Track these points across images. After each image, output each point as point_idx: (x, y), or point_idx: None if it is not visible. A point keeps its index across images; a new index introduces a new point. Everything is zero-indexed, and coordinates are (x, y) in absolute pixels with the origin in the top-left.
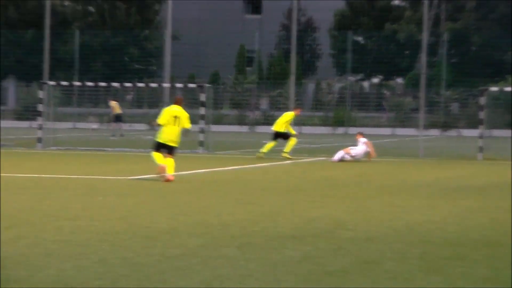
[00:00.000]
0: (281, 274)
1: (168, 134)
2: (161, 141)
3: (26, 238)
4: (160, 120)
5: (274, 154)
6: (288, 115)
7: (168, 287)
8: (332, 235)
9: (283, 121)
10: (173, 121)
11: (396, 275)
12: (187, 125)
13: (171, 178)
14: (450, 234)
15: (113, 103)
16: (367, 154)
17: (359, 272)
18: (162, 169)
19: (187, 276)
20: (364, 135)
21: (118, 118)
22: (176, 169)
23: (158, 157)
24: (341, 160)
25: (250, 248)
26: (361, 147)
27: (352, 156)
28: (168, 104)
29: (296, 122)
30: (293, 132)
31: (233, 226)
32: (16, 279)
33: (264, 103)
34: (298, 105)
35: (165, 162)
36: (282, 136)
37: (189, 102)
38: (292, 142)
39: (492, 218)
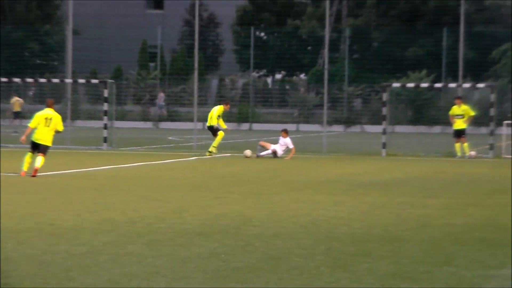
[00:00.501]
0: (189, 271)
1: (40, 134)
2: (33, 139)
3: None
4: (31, 123)
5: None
6: (218, 110)
7: (74, 286)
8: (239, 232)
9: (214, 116)
10: (44, 122)
11: (302, 271)
12: (60, 127)
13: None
14: (355, 230)
15: (14, 100)
16: (288, 151)
17: (266, 268)
18: (23, 174)
19: (94, 274)
20: (287, 133)
21: (16, 115)
22: (80, 166)
23: (26, 161)
24: (260, 156)
25: (157, 245)
26: (281, 144)
27: (273, 153)
28: (71, 100)
29: (199, 118)
30: (224, 126)
31: (139, 223)
32: None
33: (161, 99)
34: (223, 100)
35: (29, 163)
36: (212, 131)
37: (92, 98)
38: (220, 137)
39: (396, 214)
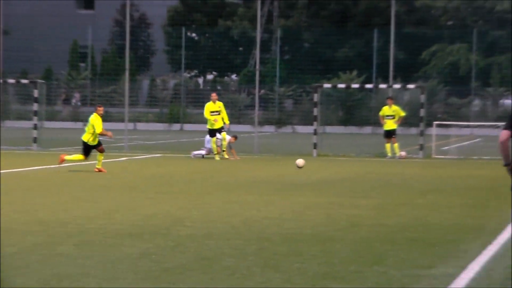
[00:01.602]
0: (120, 272)
1: None
2: None
3: None
4: None
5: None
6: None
7: (4, 286)
8: (170, 232)
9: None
10: None
11: (234, 271)
12: None
13: None
14: (286, 230)
15: None
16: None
17: (198, 268)
18: None
19: (24, 275)
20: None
21: None
22: (10, 166)
23: None
24: (197, 156)
25: (87, 245)
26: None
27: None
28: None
29: (131, 119)
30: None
31: (69, 223)
32: None
33: (76, 98)
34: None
35: None
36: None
37: (22, 98)
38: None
39: (327, 214)
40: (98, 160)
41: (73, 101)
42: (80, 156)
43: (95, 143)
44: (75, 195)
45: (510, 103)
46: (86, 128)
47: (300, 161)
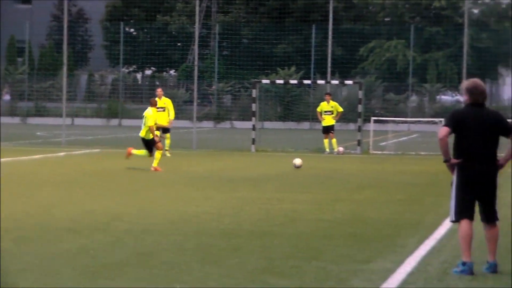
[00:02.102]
0: (58, 267)
1: None
2: None
3: None
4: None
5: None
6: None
7: (4, 287)
8: (109, 228)
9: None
10: None
11: (173, 266)
12: None
13: None
14: (225, 225)
15: None
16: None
17: (136, 264)
18: None
19: None
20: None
21: None
22: None
23: None
24: None
25: (25, 241)
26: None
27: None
28: None
29: (68, 114)
30: None
31: (7, 219)
32: None
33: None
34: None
35: None
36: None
37: None
38: None
39: (265, 209)
40: (155, 159)
41: (3, 96)
42: (144, 152)
43: (151, 137)
44: (12, 191)
45: (446, 99)
46: (143, 124)
47: (297, 161)
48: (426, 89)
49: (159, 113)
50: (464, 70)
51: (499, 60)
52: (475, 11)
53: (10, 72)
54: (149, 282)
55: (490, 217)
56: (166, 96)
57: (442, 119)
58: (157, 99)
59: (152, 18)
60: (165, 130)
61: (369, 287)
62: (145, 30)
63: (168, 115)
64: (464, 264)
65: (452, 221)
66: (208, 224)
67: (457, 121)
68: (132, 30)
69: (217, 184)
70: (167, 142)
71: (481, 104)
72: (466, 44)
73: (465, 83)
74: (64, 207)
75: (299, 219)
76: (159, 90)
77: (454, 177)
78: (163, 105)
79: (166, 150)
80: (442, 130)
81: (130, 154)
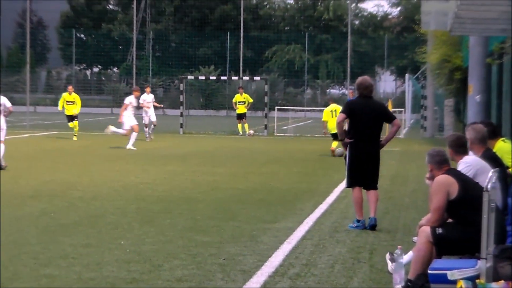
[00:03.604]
0: (24, 227)
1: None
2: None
3: None
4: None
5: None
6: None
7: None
8: (65, 195)
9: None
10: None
11: (117, 226)
12: None
13: None
14: (159, 192)
15: None
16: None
17: (87, 224)
18: None
19: None
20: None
21: None
22: None
23: None
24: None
25: None
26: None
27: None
28: None
29: (31, 103)
30: None
31: None
32: None
33: None
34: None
35: None
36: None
37: None
38: None
39: (191, 180)
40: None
41: None
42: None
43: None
44: None
45: (334, 92)
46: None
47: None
48: (318, 84)
49: (69, 105)
50: (348, 69)
51: (375, 61)
52: (356, 22)
53: None
54: (98, 239)
55: (372, 185)
56: (110, 89)
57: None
58: (67, 93)
59: (98, 26)
60: (73, 118)
61: (275, 242)
62: (93, 36)
63: (76, 107)
64: (358, 221)
65: (347, 187)
66: (145, 191)
67: (350, 109)
68: (82, 35)
69: (152, 160)
70: (75, 129)
71: (367, 96)
72: (349, 48)
73: (357, 79)
74: (28, 178)
75: (218, 188)
76: (69, 88)
77: (347, 153)
78: (72, 100)
79: (75, 135)
80: (340, 116)
81: (333, 150)
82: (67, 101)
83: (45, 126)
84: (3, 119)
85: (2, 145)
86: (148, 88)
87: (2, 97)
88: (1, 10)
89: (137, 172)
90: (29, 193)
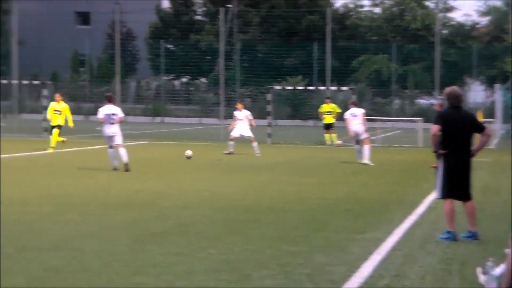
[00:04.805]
0: (116, 236)
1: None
2: None
3: None
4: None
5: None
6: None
7: (25, 245)
8: (155, 204)
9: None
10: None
11: (206, 236)
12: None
13: None
14: (247, 202)
15: None
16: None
17: (177, 233)
18: None
19: (40, 237)
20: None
21: None
22: (25, 151)
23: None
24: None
25: (89, 214)
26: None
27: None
28: (17, 97)
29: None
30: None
31: (75, 196)
32: None
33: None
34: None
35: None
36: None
37: (34, 95)
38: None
39: (279, 190)
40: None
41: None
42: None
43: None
44: (77, 174)
45: (422, 102)
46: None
47: (188, 152)
48: (406, 94)
49: (55, 115)
50: (436, 79)
51: (464, 71)
52: (445, 31)
53: (74, 79)
54: (186, 248)
55: (466, 194)
56: (198, 99)
57: (420, 118)
58: (55, 102)
59: (186, 36)
60: (56, 127)
61: (364, 253)
62: (181, 46)
63: (65, 118)
64: (449, 232)
65: (438, 198)
66: (233, 201)
67: (443, 120)
68: (170, 46)
69: (240, 169)
70: (52, 138)
71: (457, 106)
72: (437, 58)
73: (446, 89)
74: (119, 187)
75: (306, 198)
76: (57, 95)
77: (440, 164)
78: (60, 109)
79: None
80: (434, 127)
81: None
82: (54, 110)
83: (135, 136)
84: (117, 126)
85: (123, 149)
86: (239, 104)
87: (116, 107)
88: (91, 21)
89: (225, 182)
90: (121, 202)
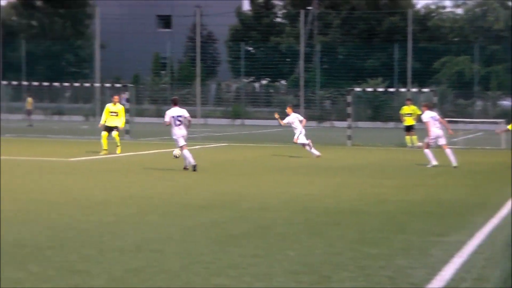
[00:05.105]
0: (195, 237)
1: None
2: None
3: None
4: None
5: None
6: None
7: (105, 247)
8: (234, 205)
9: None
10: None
11: (285, 237)
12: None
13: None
14: (326, 204)
15: (29, 99)
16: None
17: (257, 235)
18: None
19: (120, 239)
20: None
21: (28, 112)
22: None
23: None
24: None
25: (169, 215)
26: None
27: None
28: (99, 100)
29: (202, 115)
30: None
31: (155, 198)
32: None
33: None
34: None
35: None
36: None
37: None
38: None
39: (359, 192)
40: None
41: (121, 99)
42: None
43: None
44: (158, 175)
45: (505, 104)
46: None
47: (176, 152)
48: (489, 96)
49: (112, 117)
50: None
51: None
52: None
53: (155, 82)
54: (266, 250)
55: None
56: (278, 101)
57: (502, 120)
58: (112, 104)
59: (266, 39)
60: (112, 129)
61: (445, 256)
62: (261, 49)
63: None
64: None
65: None
66: (312, 203)
67: None
68: (250, 48)
69: (319, 171)
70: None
71: None
72: None
73: None
74: (199, 189)
75: (386, 200)
76: (115, 97)
77: None
78: (116, 111)
79: (118, 146)
80: None
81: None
82: (110, 112)
83: (215, 138)
84: (183, 128)
85: (186, 151)
86: (288, 108)
87: (182, 109)
88: (172, 25)
89: (304, 184)
90: (201, 203)
